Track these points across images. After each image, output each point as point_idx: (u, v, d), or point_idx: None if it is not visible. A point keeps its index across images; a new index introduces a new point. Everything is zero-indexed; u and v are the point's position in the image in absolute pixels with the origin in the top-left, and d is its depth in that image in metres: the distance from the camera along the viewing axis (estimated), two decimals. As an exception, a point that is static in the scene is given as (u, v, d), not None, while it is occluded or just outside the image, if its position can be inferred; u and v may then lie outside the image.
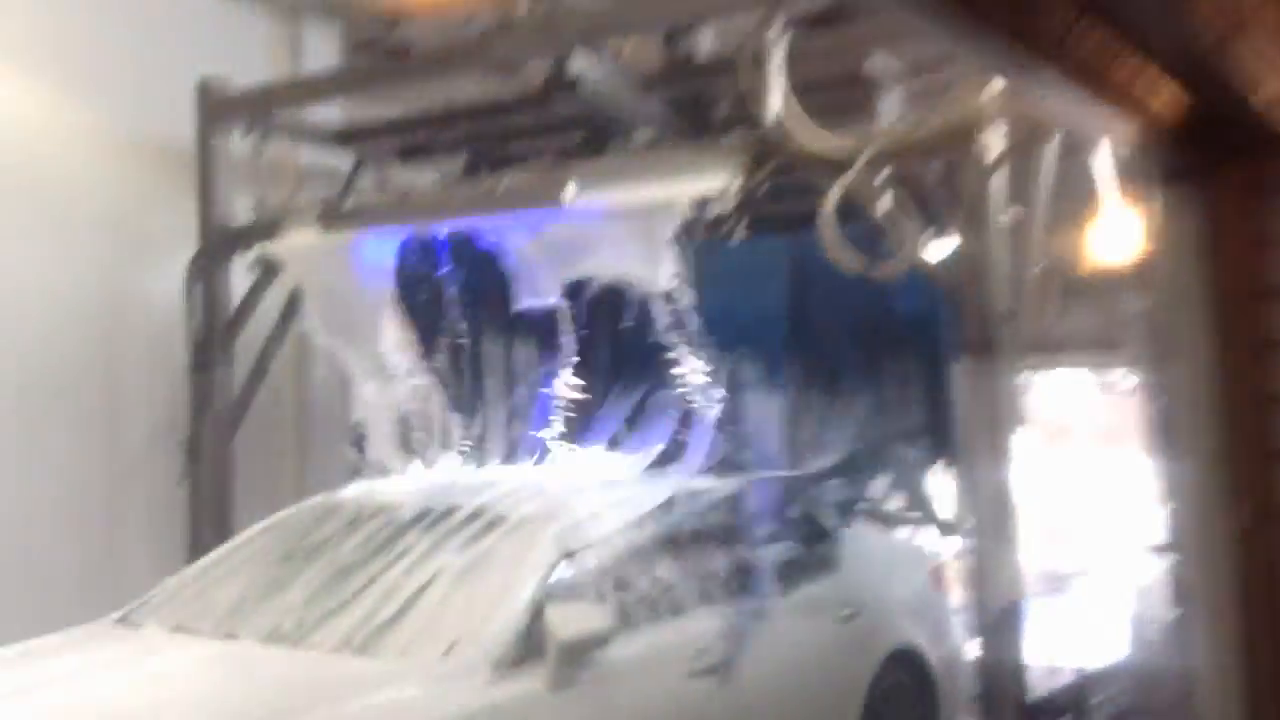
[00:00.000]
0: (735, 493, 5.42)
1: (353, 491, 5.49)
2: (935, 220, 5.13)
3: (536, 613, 4.10)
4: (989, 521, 4.91)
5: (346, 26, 8.53)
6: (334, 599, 4.39)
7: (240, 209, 7.42)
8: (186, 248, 7.49)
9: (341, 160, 8.12)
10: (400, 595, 4.29)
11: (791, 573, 5.28)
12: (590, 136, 6.66)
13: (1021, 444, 4.95)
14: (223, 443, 7.45)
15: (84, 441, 7.50)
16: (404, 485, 5.59)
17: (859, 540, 5.85)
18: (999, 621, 4.82)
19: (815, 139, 5.03)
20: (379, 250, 6.33)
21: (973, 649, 5.28)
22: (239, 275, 7.48)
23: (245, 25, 8.36)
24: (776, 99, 5.04)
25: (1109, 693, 7.47)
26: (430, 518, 4.78)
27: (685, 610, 4.73)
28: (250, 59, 8.05)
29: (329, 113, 8.22)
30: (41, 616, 4.75)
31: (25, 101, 7.29)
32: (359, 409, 6.89)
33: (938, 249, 5.01)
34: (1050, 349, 6.07)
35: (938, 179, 5.09)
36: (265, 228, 7.00)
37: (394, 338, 6.52)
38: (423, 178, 7.61)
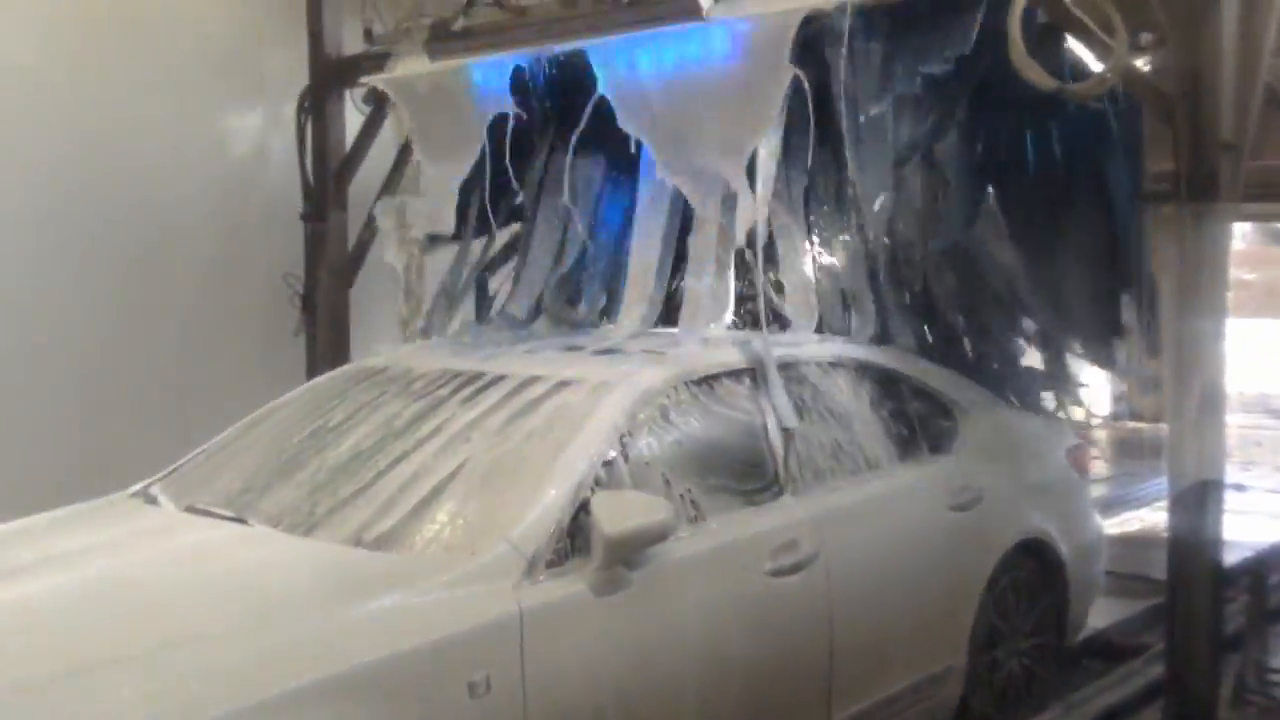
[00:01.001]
0: (838, 359, 4.68)
1: (399, 355, 4.78)
2: (1144, 28, 4.24)
3: (583, 502, 3.42)
4: (1195, 387, 4.14)
5: None
6: (354, 482, 3.73)
7: (353, 39, 6.91)
8: (301, 81, 7.04)
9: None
10: (428, 479, 3.62)
11: (898, 451, 4.58)
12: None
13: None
14: (338, 293, 7.06)
15: (201, 291, 7.24)
16: (457, 348, 4.85)
17: (982, 414, 5.04)
18: (1198, 492, 4.20)
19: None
20: (495, 77, 5.66)
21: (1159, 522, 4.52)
22: (354, 114, 7.03)
23: None
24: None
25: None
26: (478, 385, 4.09)
27: (767, 497, 4.00)
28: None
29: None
30: (158, 469, 4.41)
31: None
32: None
33: (1149, 60, 4.13)
34: (1272, 192, 5.14)
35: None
36: (375, 58, 6.42)
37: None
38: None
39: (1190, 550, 4.25)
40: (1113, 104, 4.93)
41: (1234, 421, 14.96)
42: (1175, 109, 4.10)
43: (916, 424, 4.73)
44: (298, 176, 7.04)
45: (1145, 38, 4.21)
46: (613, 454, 3.59)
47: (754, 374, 4.22)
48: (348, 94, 6.88)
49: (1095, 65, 4.44)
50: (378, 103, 6.69)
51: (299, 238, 7.14)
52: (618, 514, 3.33)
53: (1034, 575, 4.92)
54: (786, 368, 4.34)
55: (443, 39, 5.83)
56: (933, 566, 4.47)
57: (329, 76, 6.86)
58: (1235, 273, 18.84)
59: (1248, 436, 13.80)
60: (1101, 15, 4.15)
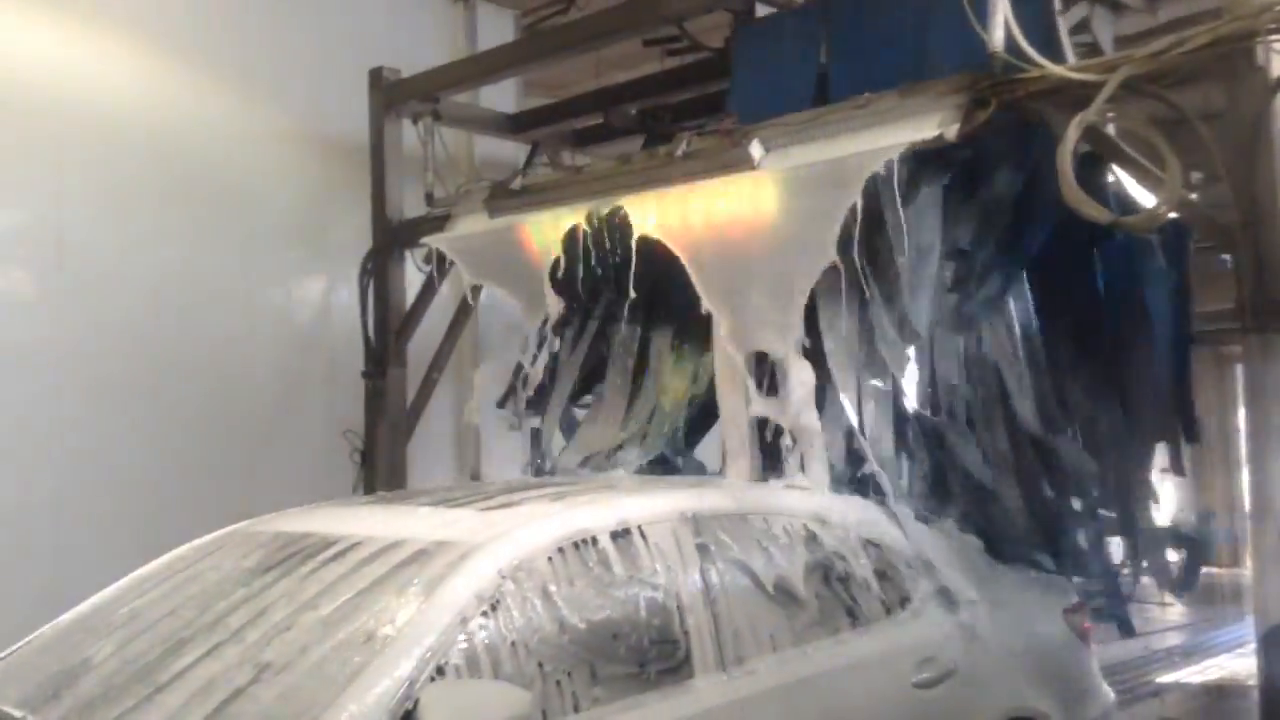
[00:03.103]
0: (782, 511, 4.07)
1: (287, 516, 4.10)
2: (1199, 160, 4.26)
3: (417, 700, 2.80)
4: (1274, 525, 4.00)
5: (520, 13, 8.19)
6: (150, 683, 3.11)
7: (414, 204, 7.13)
8: (364, 245, 7.25)
9: (517, 152, 7.76)
10: (233, 678, 3.00)
11: (850, 619, 3.92)
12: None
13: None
14: (396, 448, 7.11)
15: (266, 446, 7.37)
16: (351, 506, 4.30)
17: (959, 575, 4.39)
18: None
19: (1050, 67, 4.24)
20: (549, 234, 5.80)
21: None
22: (414, 275, 7.20)
23: (419, 16, 8.13)
24: (1000, 23, 4.29)
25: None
26: (332, 552, 3.49)
27: (673, 680, 3.33)
28: (424, 49, 7.79)
29: (504, 103, 7.88)
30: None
31: (205, 104, 7.19)
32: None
33: (1204, 193, 4.14)
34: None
35: (1202, 109, 4.22)
36: (435, 220, 6.61)
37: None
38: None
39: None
40: (1160, 240, 4.93)
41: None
42: (1237, 238, 4.08)
43: (877, 588, 4.10)
44: (359, 335, 7.19)
45: (1196, 176, 4.22)
46: (463, 637, 2.97)
47: (676, 527, 3.65)
48: (408, 254, 7.06)
49: (1145, 199, 4.45)
50: (437, 263, 6.85)
51: (359, 394, 7.24)
52: (452, 712, 2.74)
53: None
54: (715, 520, 3.77)
55: (501, 197, 5.99)
56: None
57: (390, 238, 7.06)
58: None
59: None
60: (1151, 148, 4.18)
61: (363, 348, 7.15)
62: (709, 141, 5.16)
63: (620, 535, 3.50)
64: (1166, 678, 8.81)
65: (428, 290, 7.03)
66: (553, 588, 3.24)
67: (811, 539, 4.01)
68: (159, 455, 6.86)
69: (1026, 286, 5.08)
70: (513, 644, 3.05)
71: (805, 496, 4.36)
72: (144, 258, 6.92)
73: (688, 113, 6.96)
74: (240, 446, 7.23)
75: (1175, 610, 11.62)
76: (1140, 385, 5.18)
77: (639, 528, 3.55)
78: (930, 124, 4.57)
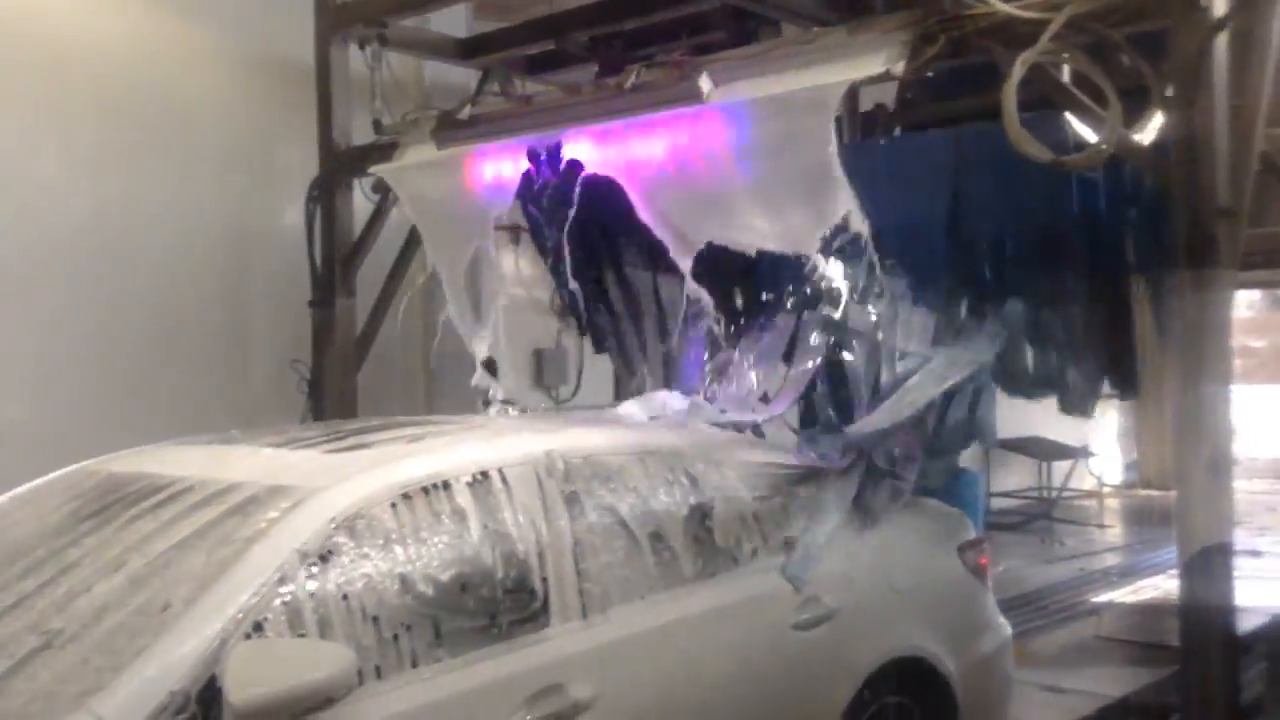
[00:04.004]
0: (649, 448, 3.86)
1: (122, 460, 3.75)
2: (1139, 101, 4.32)
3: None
4: (1197, 451, 4.14)
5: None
6: None
7: (363, 130, 7.04)
8: (312, 171, 7.16)
9: (469, 79, 7.65)
10: (41, 627, 2.76)
11: (724, 561, 3.80)
12: (734, 35, 6.00)
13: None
14: (346, 379, 7.10)
15: (208, 377, 7.30)
16: (202, 444, 3.88)
17: (844, 510, 4.23)
18: (1207, 558, 4.12)
19: (997, 5, 4.26)
20: (500, 167, 5.78)
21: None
22: (363, 202, 7.14)
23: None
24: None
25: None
26: (162, 496, 3.24)
27: (527, 631, 3.19)
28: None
29: (455, 27, 7.75)
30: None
31: (146, 25, 7.03)
32: (484, 341, 6.41)
33: (1146, 132, 4.20)
34: (1275, 259, 5.16)
35: (1144, 50, 4.27)
36: (383, 148, 6.54)
37: (515, 264, 6.00)
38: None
39: (1203, 616, 4.18)
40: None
41: (1247, 487, 15.03)
42: (1173, 176, 4.16)
43: (758, 528, 3.96)
44: (305, 263, 7.13)
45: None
46: (286, 592, 2.78)
47: (540, 470, 3.47)
48: (356, 183, 6.99)
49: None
50: (385, 192, 6.80)
51: (307, 324, 7.21)
52: (259, 673, 2.55)
53: (912, 701, 4.16)
54: (585, 462, 3.60)
55: (449, 128, 5.94)
56: (764, 702, 3.68)
57: (338, 166, 6.98)
58: (1244, 339, 18.99)
59: (1261, 502, 13.77)
60: (1095, 88, 4.24)
61: (310, 276, 7.11)
62: (658, 74, 5.15)
63: (477, 480, 3.31)
64: (1102, 598, 9.05)
65: (376, 219, 6.98)
66: (395, 537, 3.05)
67: (690, 479, 3.86)
68: (102, 383, 6.80)
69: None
70: (344, 598, 2.87)
71: (685, 435, 4.20)
72: (85, 180, 6.80)
73: (643, 40, 6.87)
74: (187, 375, 7.18)
75: (1113, 533, 11.96)
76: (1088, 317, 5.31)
77: (499, 471, 3.37)
78: (877, 60, 4.60)
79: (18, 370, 6.50)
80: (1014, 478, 13.03)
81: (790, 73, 4.85)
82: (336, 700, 2.64)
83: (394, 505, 3.10)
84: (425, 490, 3.19)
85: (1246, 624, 6.41)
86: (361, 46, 6.79)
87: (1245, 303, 17.83)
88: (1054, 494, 12.73)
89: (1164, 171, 4.18)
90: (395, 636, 2.92)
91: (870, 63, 4.62)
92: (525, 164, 5.62)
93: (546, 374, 8.28)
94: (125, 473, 3.52)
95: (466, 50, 7.23)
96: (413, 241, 7.01)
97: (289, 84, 7.37)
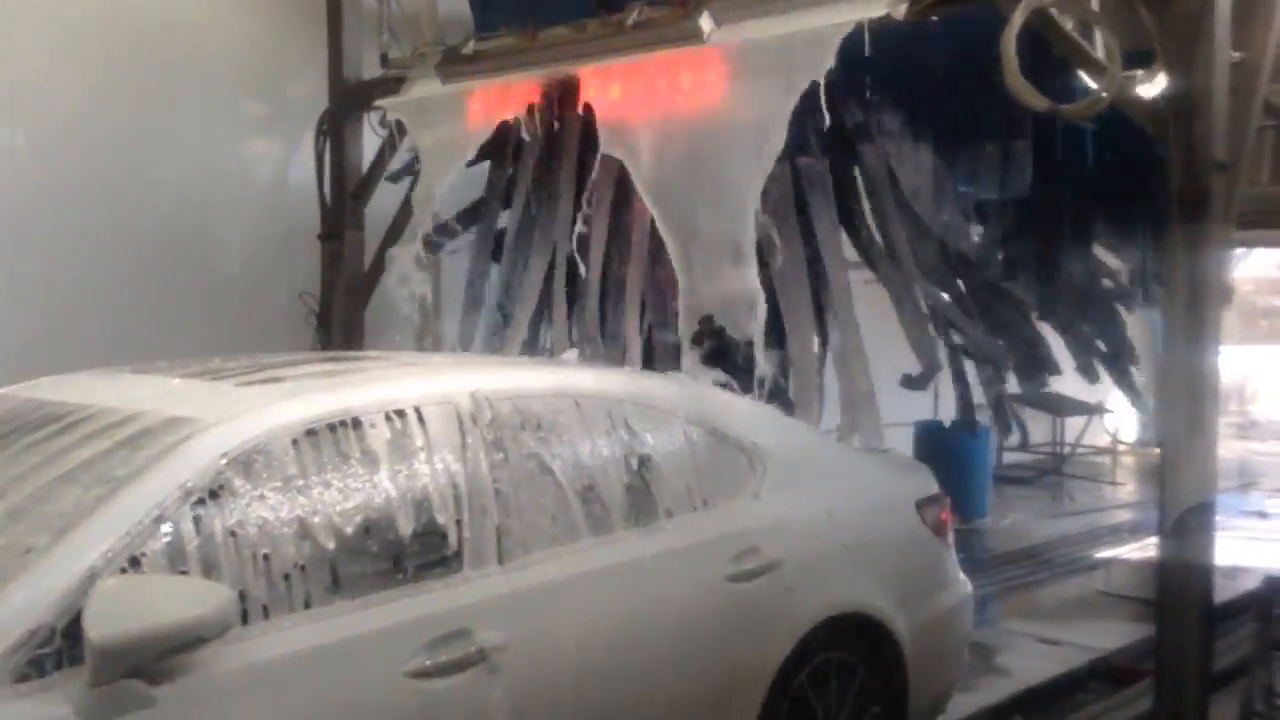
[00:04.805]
0: (578, 391, 3.70)
1: (35, 388, 3.62)
2: (1142, 53, 4.25)
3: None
4: (1183, 409, 4.11)
5: None
6: None
7: (375, 64, 7.04)
8: (323, 105, 7.17)
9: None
10: None
11: (656, 507, 3.65)
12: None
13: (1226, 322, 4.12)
14: (353, 311, 7.16)
15: (220, 306, 7.37)
16: (113, 375, 3.71)
17: (792, 460, 4.08)
18: (1187, 519, 4.10)
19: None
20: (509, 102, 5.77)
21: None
22: (373, 137, 7.14)
23: None
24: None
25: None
26: (59, 425, 3.14)
27: (435, 575, 3.10)
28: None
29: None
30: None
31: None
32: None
33: (1145, 84, 4.13)
34: (1256, 215, 5.07)
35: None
36: (391, 82, 6.53)
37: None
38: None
39: (1180, 578, 4.20)
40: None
41: (1264, 449, 14.90)
42: (1170, 128, 4.10)
43: (697, 475, 3.80)
44: (315, 197, 7.15)
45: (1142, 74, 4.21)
46: (170, 526, 2.70)
47: (462, 408, 3.34)
48: (365, 117, 6.99)
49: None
50: (395, 125, 6.80)
51: (316, 257, 7.25)
52: (124, 609, 2.46)
53: (855, 660, 3.99)
54: (512, 401, 3.45)
55: (454, 63, 5.92)
56: (695, 654, 3.55)
57: (347, 100, 6.99)
58: (1271, 300, 18.74)
59: (1277, 464, 13.67)
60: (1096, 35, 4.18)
61: (319, 210, 7.14)
62: (661, 12, 5.11)
63: (391, 418, 3.19)
64: (1107, 553, 9.05)
65: (385, 153, 6.99)
66: (295, 475, 2.94)
67: (626, 425, 3.70)
68: (115, 312, 6.88)
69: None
70: (233, 535, 2.78)
71: (625, 377, 4.08)
72: (98, 113, 6.85)
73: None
74: (197, 305, 7.25)
75: (1125, 490, 11.92)
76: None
77: (416, 408, 3.25)
78: (880, 2, 4.54)
79: (29, 298, 6.58)
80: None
81: (795, 14, 4.81)
82: (210, 639, 2.56)
83: (295, 442, 2.98)
84: (332, 427, 3.07)
85: (1243, 585, 6.44)
86: (374, -21, 6.78)
87: (1275, 263, 17.58)
88: (1067, 450, 12.67)
89: (1160, 125, 4.12)
90: (287, 577, 2.83)
91: (873, 4, 4.56)
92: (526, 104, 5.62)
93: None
94: (31, 399, 3.42)
95: (477, -18, 7.18)
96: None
97: (302, 17, 7.35)
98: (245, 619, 2.72)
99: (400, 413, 3.22)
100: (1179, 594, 4.21)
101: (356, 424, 3.11)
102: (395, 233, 7.18)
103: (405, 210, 7.16)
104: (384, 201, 7.19)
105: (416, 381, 3.43)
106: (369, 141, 7.09)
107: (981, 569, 8.47)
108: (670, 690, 3.48)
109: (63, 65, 6.70)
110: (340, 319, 7.10)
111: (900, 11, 4.47)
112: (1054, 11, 4.27)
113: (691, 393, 4.11)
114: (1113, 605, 7.54)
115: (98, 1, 6.81)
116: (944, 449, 9.97)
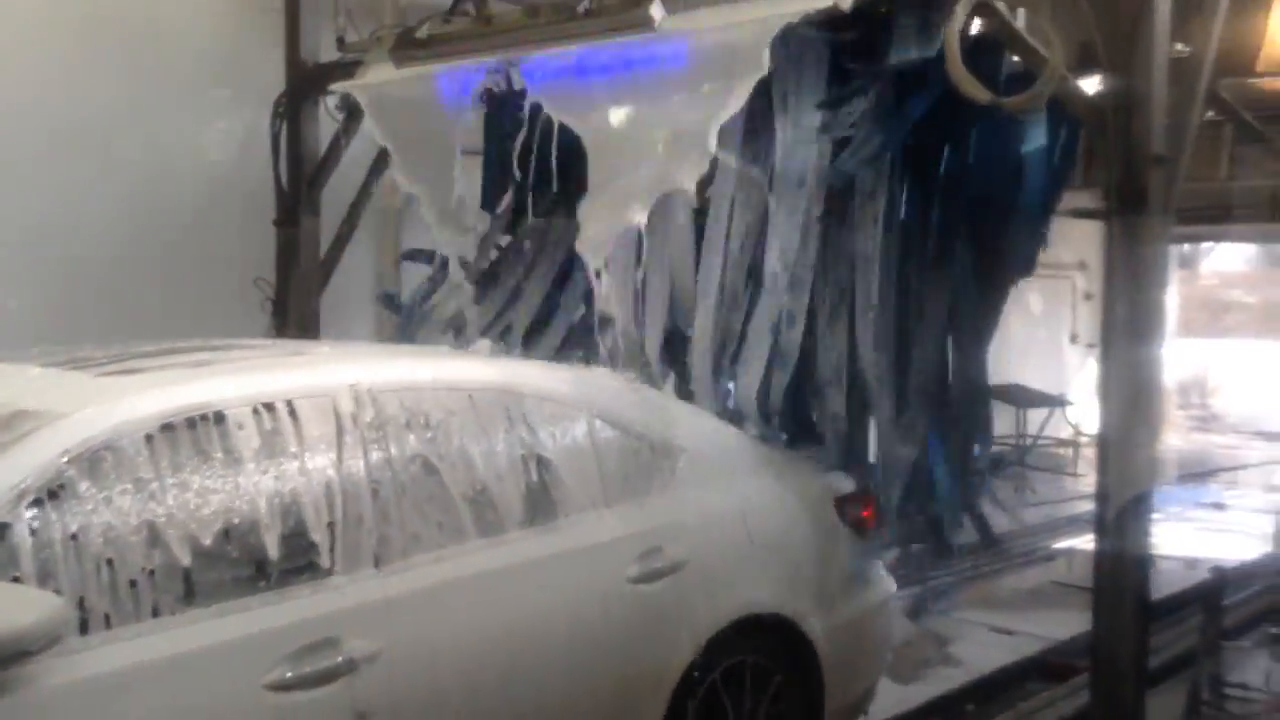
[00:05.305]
0: (465, 383, 3.51)
1: None
2: (1083, 49, 4.27)
3: None
4: (1123, 399, 4.14)
5: None
6: None
7: (331, 47, 6.98)
8: (278, 89, 7.12)
9: (446, -2, 7.57)
10: None
11: (550, 506, 3.49)
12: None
13: (1168, 314, 4.14)
14: (308, 299, 7.11)
15: (175, 290, 7.31)
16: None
17: (701, 456, 3.93)
18: (1124, 511, 4.13)
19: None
20: (459, 86, 5.74)
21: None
22: (330, 121, 7.09)
23: None
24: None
25: (1247, 592, 6.79)
26: None
27: (302, 580, 2.92)
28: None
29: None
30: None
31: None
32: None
33: (1085, 79, 4.15)
34: (1212, 210, 5.12)
35: None
36: (347, 66, 6.49)
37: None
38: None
39: (1116, 569, 4.22)
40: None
41: (1223, 441, 15.07)
42: (1108, 123, 4.12)
43: (597, 471, 3.65)
44: (272, 181, 7.10)
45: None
46: (6, 526, 2.54)
47: (339, 402, 3.16)
48: (322, 101, 6.94)
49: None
50: (351, 110, 6.76)
51: (272, 242, 7.20)
52: None
53: (766, 663, 3.87)
54: (395, 394, 3.28)
55: (408, 47, 5.89)
56: (593, 660, 3.41)
57: (304, 83, 6.93)
58: (1236, 295, 18.94)
59: (1235, 457, 13.83)
60: (1039, 29, 4.19)
61: (275, 195, 7.09)
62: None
63: (258, 411, 3.00)
64: (1063, 544, 9.11)
65: (342, 138, 6.94)
66: (146, 473, 2.76)
67: (523, 419, 3.55)
68: (71, 293, 6.82)
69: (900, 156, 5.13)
70: (73, 539, 2.60)
71: (526, 369, 3.91)
72: (55, 93, 6.77)
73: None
74: (153, 288, 7.19)
75: (1086, 481, 12.00)
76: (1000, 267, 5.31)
77: (288, 402, 3.06)
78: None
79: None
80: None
81: (743, 2, 4.80)
82: (35, 652, 2.41)
83: (149, 437, 2.80)
84: (191, 421, 2.88)
85: (1200, 576, 6.51)
86: (328, -41, 6.72)
87: (1242, 258, 17.75)
88: (1029, 441, 12.75)
89: (1100, 118, 4.14)
90: (134, 584, 2.66)
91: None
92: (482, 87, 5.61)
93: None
94: None
95: (437, -34, 7.14)
96: (380, 162, 6.98)
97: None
98: (84, 629, 2.57)
99: (269, 406, 3.03)
100: (1115, 586, 4.24)
101: (220, 418, 2.93)
102: (352, 220, 7.17)
103: (363, 196, 7.15)
104: (341, 187, 7.14)
105: (290, 373, 3.26)
106: (326, 126, 7.03)
107: (937, 559, 8.54)
108: (564, 696, 3.34)
109: (22, 49, 6.63)
110: (296, 306, 7.06)
111: (846, 3, 4.47)
112: (998, 3, 4.29)
113: (599, 385, 3.95)
114: (1067, 595, 7.61)
115: (54, -18, 6.74)
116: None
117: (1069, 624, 6.71)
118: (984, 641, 6.67)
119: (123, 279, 7.06)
